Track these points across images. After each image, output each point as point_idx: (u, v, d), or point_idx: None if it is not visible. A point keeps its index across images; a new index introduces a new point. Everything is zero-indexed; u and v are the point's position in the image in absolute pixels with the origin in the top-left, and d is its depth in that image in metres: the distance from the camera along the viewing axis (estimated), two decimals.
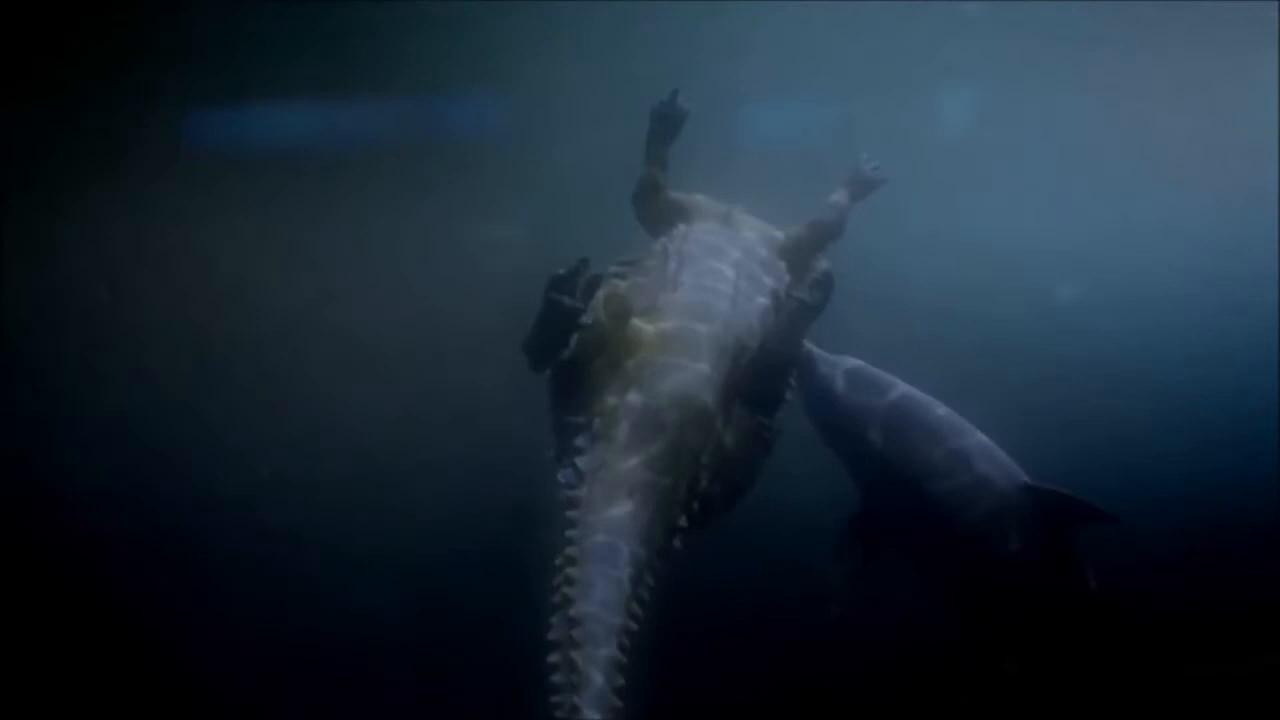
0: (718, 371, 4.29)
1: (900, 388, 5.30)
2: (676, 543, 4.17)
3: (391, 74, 9.66)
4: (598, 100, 9.64)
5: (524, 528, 4.23)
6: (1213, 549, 8.10)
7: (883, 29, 9.74)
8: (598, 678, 3.71)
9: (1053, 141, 12.40)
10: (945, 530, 5.15)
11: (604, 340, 4.26)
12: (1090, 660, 5.33)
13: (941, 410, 5.27)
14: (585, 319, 4.30)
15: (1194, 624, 7.31)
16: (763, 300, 4.56)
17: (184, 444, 9.03)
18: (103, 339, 9.66)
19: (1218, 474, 8.73)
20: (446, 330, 9.59)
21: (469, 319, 9.28)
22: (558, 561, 3.92)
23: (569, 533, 3.97)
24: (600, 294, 4.36)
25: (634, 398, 4.19)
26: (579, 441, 4.17)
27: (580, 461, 4.12)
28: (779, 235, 5.06)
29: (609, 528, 3.99)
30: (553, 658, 3.76)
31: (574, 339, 4.26)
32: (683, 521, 4.17)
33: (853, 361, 5.34)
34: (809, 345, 5.12)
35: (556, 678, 3.72)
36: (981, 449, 5.22)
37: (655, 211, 5.01)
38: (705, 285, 4.51)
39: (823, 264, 4.79)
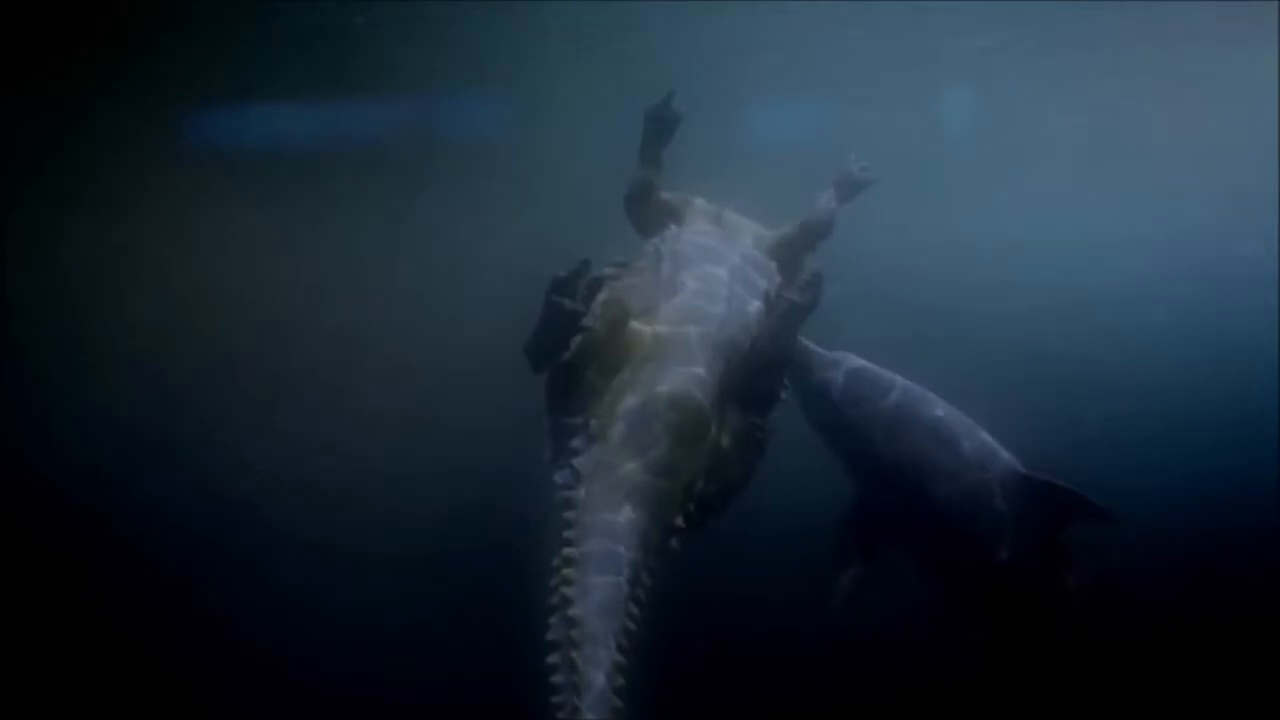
0: (713, 373, 4.29)
1: (899, 386, 5.29)
2: (673, 543, 4.18)
3: (391, 74, 9.65)
4: (598, 101, 9.65)
5: (523, 527, 4.24)
6: (1213, 549, 8.10)
7: (883, 29, 9.74)
8: (598, 678, 3.71)
9: (1053, 142, 12.42)
10: (946, 526, 5.14)
11: (602, 344, 4.27)
12: (1079, 654, 5.35)
13: (941, 409, 5.27)
14: (586, 321, 4.30)
15: (1193, 623, 7.32)
16: (756, 303, 4.56)
17: (184, 443, 9.04)
18: (103, 337, 9.67)
19: (1217, 474, 8.74)
20: (446, 329, 9.60)
21: (469, 318, 9.29)
22: (555, 562, 3.92)
23: (566, 534, 3.98)
24: (600, 298, 4.36)
25: (631, 399, 4.20)
26: (576, 443, 4.17)
27: (577, 462, 4.12)
28: (769, 235, 5.07)
29: (606, 529, 3.99)
30: (552, 658, 3.76)
31: (574, 342, 4.27)
32: (679, 522, 4.17)
33: (851, 359, 5.33)
34: (807, 343, 5.11)
35: (557, 678, 3.72)
36: (983, 446, 5.22)
37: (648, 213, 5.02)
38: (700, 288, 4.51)
39: (813, 265, 4.78)
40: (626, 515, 4.10)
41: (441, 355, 9.31)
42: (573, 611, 3.85)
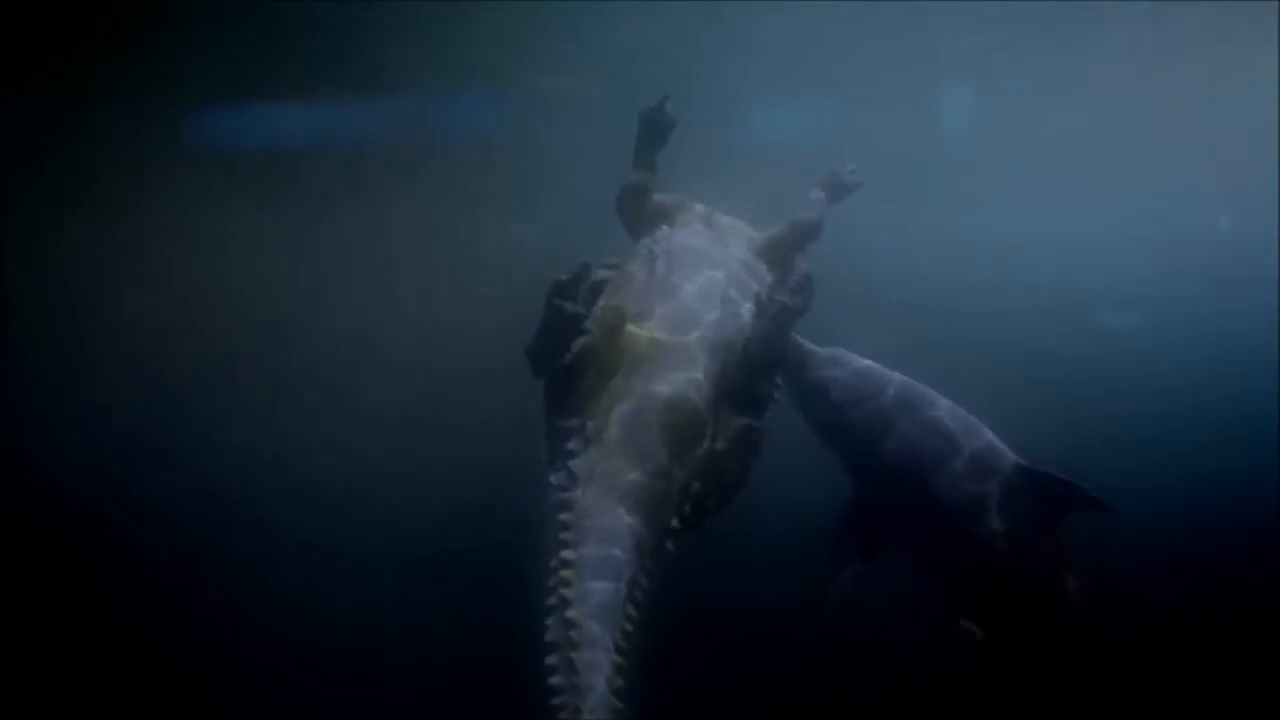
0: (708, 376, 4.31)
1: (896, 382, 5.27)
2: (669, 544, 4.19)
3: (391, 74, 9.66)
4: (597, 101, 9.66)
5: (522, 527, 4.24)
6: (1213, 549, 8.10)
7: (883, 29, 9.74)
8: (598, 679, 3.72)
9: (1052, 142, 12.42)
10: (947, 523, 5.14)
11: (599, 348, 4.28)
12: (1079, 652, 5.35)
13: (938, 404, 5.26)
14: (587, 325, 4.31)
15: (1193, 624, 7.32)
16: (749, 305, 4.57)
17: (184, 443, 9.04)
18: (103, 337, 9.67)
19: (1217, 474, 8.74)
20: (446, 329, 9.60)
21: (468, 317, 9.30)
22: (553, 564, 3.94)
23: (563, 535, 3.99)
24: (599, 305, 4.38)
25: (627, 402, 4.21)
26: (572, 445, 4.18)
27: (574, 464, 4.13)
28: (759, 237, 5.08)
29: (603, 530, 4.01)
30: (551, 659, 3.77)
31: (574, 345, 4.28)
32: (675, 523, 4.19)
33: (845, 356, 5.31)
34: (801, 341, 5.11)
35: (557, 679, 3.73)
36: (980, 440, 5.21)
37: (641, 216, 5.03)
38: (694, 290, 4.51)
39: (804, 266, 4.79)
40: (623, 517, 4.12)
41: (441, 355, 9.31)
42: (571, 613, 3.86)
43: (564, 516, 4.09)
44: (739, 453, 4.43)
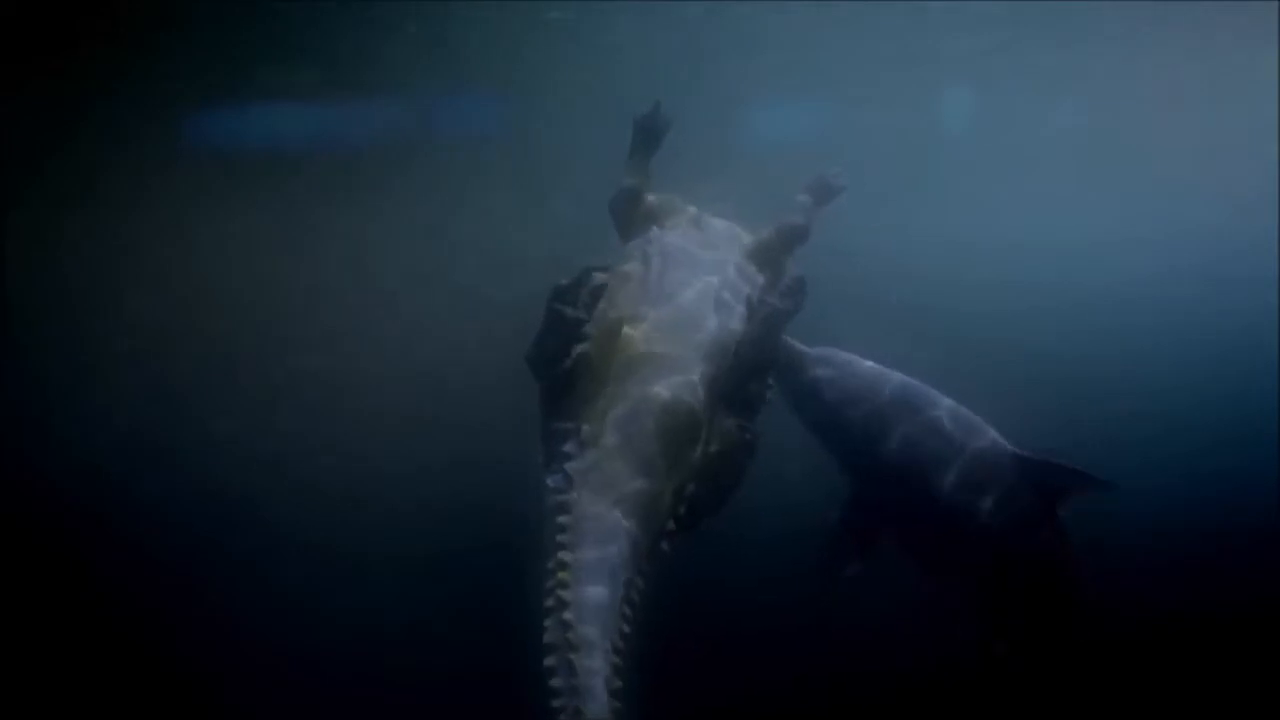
0: (703, 378, 4.33)
1: (891, 380, 5.26)
2: (665, 546, 4.21)
3: (390, 74, 9.66)
4: (596, 100, 9.66)
5: (522, 527, 4.25)
6: (1212, 549, 8.10)
7: (883, 29, 9.74)
8: (598, 680, 3.74)
9: (1053, 141, 12.42)
10: (948, 520, 5.14)
11: (597, 352, 4.30)
12: (1080, 649, 5.35)
13: (942, 405, 5.26)
14: (587, 330, 4.33)
15: (1193, 623, 7.31)
16: (741, 308, 4.59)
17: (184, 443, 9.04)
18: (103, 337, 9.67)
19: (1217, 474, 8.74)
20: (446, 328, 9.60)
21: (469, 317, 9.30)
22: (550, 565, 3.95)
23: (560, 537, 4.01)
24: (599, 309, 4.40)
25: (623, 405, 4.23)
26: (568, 447, 4.20)
27: (570, 467, 4.15)
28: (748, 240, 5.10)
29: (600, 533, 4.02)
30: (550, 661, 3.78)
31: (575, 350, 4.29)
32: (671, 525, 4.21)
33: (838, 356, 5.30)
34: (792, 343, 5.10)
35: (556, 681, 3.75)
36: (978, 433, 5.21)
37: (635, 220, 5.04)
38: (688, 293, 4.54)
39: (795, 269, 4.80)
40: (620, 519, 4.14)
41: (441, 354, 9.31)
42: (569, 615, 3.87)
43: (561, 519, 4.11)
44: (733, 454, 4.46)
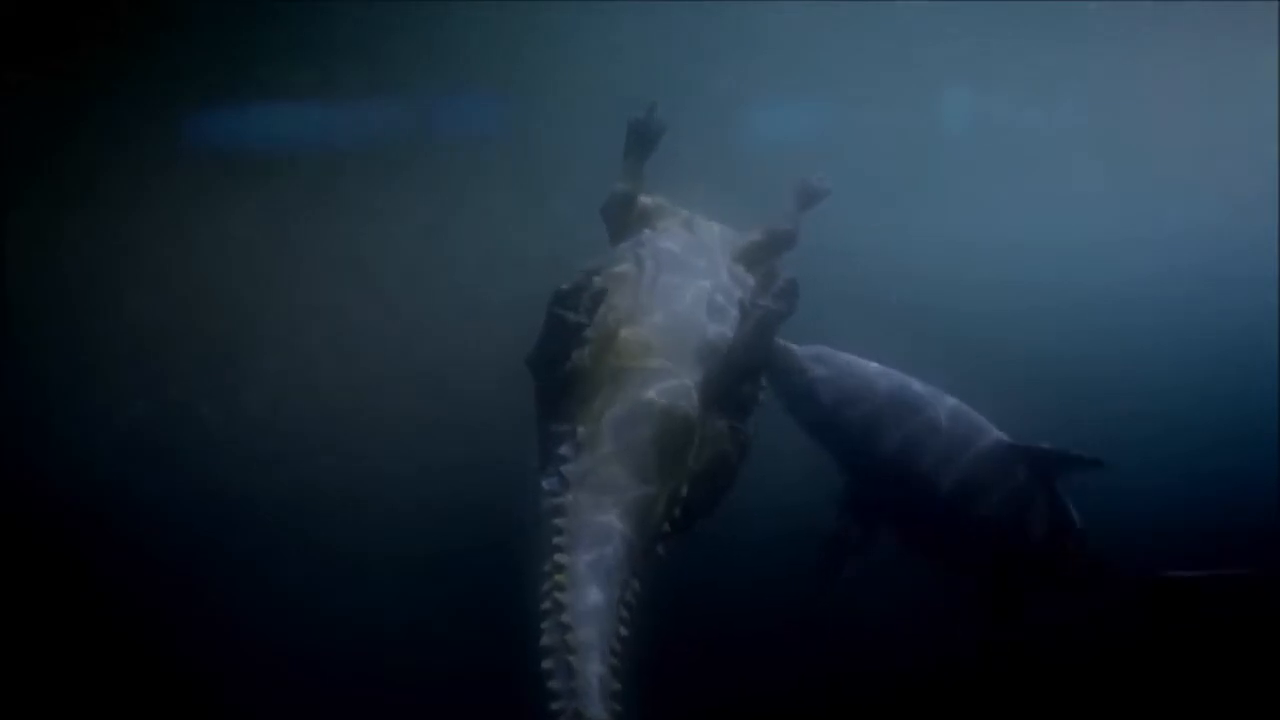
0: (696, 381, 4.35)
1: (886, 378, 5.26)
2: (659, 548, 4.23)
3: (391, 74, 9.66)
4: (597, 100, 9.65)
5: (522, 527, 4.26)
6: (1213, 549, 8.09)
7: (883, 29, 9.75)
8: (596, 682, 3.75)
9: (1052, 141, 12.42)
10: (949, 516, 5.15)
11: (594, 356, 4.32)
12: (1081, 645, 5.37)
13: (943, 405, 5.27)
14: (587, 334, 4.35)
15: (1193, 623, 7.31)
16: (734, 311, 4.61)
17: (184, 443, 9.04)
18: (103, 337, 9.66)
19: (1217, 474, 8.74)
20: (446, 328, 9.59)
21: (469, 317, 9.30)
22: (546, 568, 3.97)
23: (556, 540, 4.03)
24: (599, 314, 4.41)
25: (618, 408, 4.25)
26: (564, 450, 4.22)
27: (566, 470, 4.17)
28: (739, 243, 5.12)
29: (595, 535, 4.04)
30: (548, 663, 3.80)
31: (575, 354, 4.31)
32: (665, 527, 4.23)
33: (832, 355, 5.30)
34: (790, 345, 5.11)
35: (555, 683, 3.76)
36: (975, 426, 5.22)
37: (628, 223, 5.06)
38: (681, 296, 4.56)
39: (788, 272, 4.81)
40: (615, 521, 4.16)
41: (442, 354, 9.30)
42: (566, 618, 3.89)
43: (557, 521, 4.13)
44: (727, 456, 4.48)
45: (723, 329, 4.54)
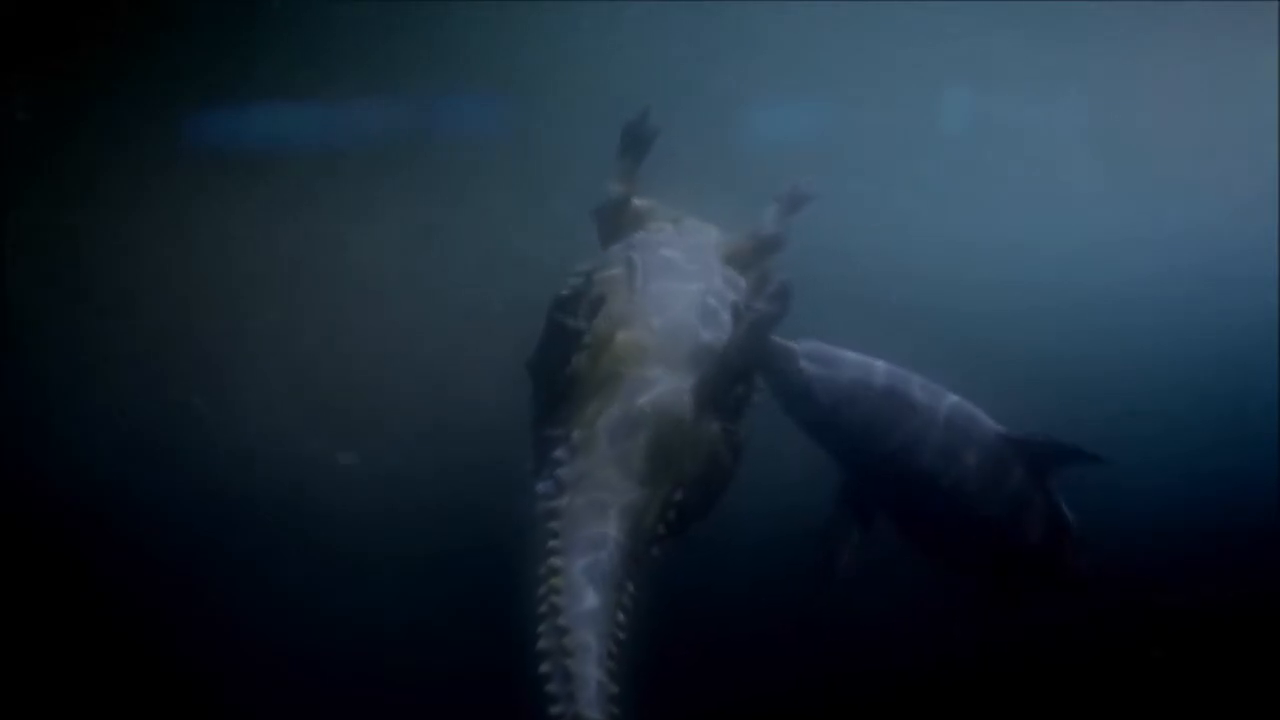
0: (691, 384, 4.35)
1: (887, 374, 5.25)
2: (655, 552, 4.24)
3: (390, 74, 9.65)
4: (598, 101, 9.65)
5: (519, 528, 4.26)
6: (1212, 549, 8.10)
7: (883, 29, 9.74)
8: (594, 686, 3.76)
9: (1052, 142, 12.41)
10: (951, 514, 5.15)
11: (589, 360, 4.33)
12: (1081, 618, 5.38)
13: (948, 401, 5.27)
14: (587, 340, 4.36)
15: (1193, 623, 7.32)
16: (727, 314, 4.62)
17: (184, 443, 9.03)
18: (103, 337, 9.66)
19: (1217, 474, 8.73)
20: (447, 327, 9.59)
21: (470, 317, 9.30)
22: (542, 572, 3.98)
23: (551, 543, 4.04)
24: (598, 319, 4.42)
25: (613, 411, 4.26)
26: (559, 453, 4.23)
27: (560, 473, 4.18)
28: (729, 244, 5.13)
29: (590, 539, 4.05)
30: (545, 667, 3.81)
31: (575, 359, 4.33)
32: (660, 530, 4.24)
33: (829, 352, 5.29)
34: (786, 343, 5.11)
35: (552, 687, 3.77)
36: (974, 419, 5.23)
37: (620, 226, 5.08)
38: (676, 299, 4.57)
39: (781, 274, 4.82)
40: (610, 525, 4.18)
41: (443, 353, 9.30)
42: (562, 621, 3.90)
43: (551, 525, 4.15)
44: (721, 459, 4.50)
45: (716, 332, 4.55)
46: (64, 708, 7.42)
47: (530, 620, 3.88)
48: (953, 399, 5.25)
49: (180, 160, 10.18)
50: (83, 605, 7.93)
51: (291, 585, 7.78)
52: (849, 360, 5.24)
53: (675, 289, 4.58)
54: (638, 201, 5.12)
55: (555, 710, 3.74)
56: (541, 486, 4.21)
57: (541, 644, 3.82)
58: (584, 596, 3.91)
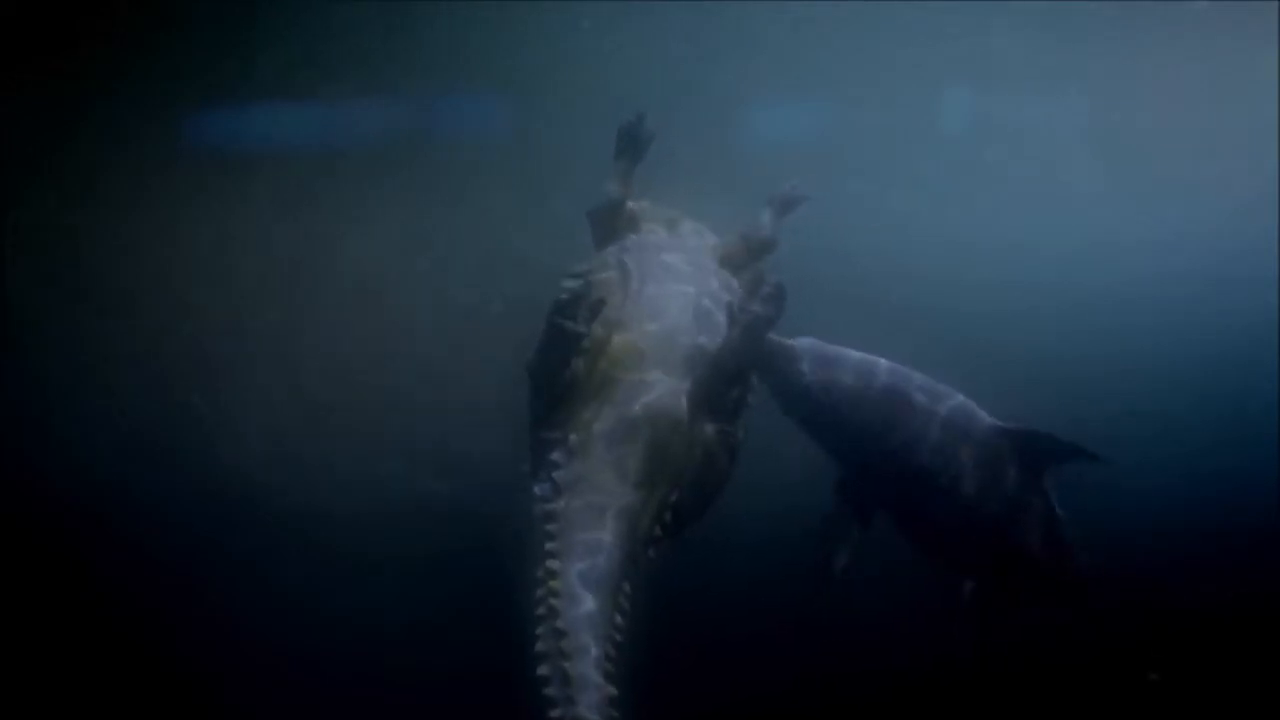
0: (686, 386, 4.36)
1: (884, 371, 5.24)
2: (651, 552, 4.25)
3: (390, 74, 9.66)
4: (598, 101, 9.65)
5: (516, 530, 4.27)
6: (1213, 549, 8.10)
7: (883, 29, 9.75)
8: (592, 689, 3.77)
9: (1052, 141, 12.42)
10: (951, 512, 5.16)
11: (585, 363, 4.34)
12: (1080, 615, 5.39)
13: (948, 400, 5.27)
14: (586, 344, 4.36)
15: (1194, 623, 7.32)
16: (722, 316, 4.63)
17: (184, 443, 9.04)
18: (103, 337, 9.67)
19: (1217, 474, 8.74)
20: (447, 327, 9.60)
21: (470, 317, 9.30)
22: (540, 575, 3.99)
23: (549, 545, 4.05)
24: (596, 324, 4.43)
25: (609, 413, 4.28)
26: (556, 456, 4.24)
27: (557, 476, 4.19)
28: (722, 246, 5.15)
29: (588, 541, 4.06)
30: (543, 670, 3.81)
31: (574, 363, 4.33)
32: (656, 532, 4.25)
33: (828, 348, 5.28)
34: (783, 341, 5.10)
35: (551, 690, 3.78)
36: (971, 414, 5.23)
37: (615, 229, 5.09)
38: (671, 302, 4.58)
39: (774, 276, 4.83)
40: (607, 527, 4.19)
41: (443, 353, 9.30)
42: (560, 624, 3.91)
43: (549, 528, 4.15)
44: (717, 460, 4.51)
45: (710, 334, 4.56)
46: (64, 708, 7.42)
47: (529, 621, 3.88)
48: (954, 399, 5.25)
49: (180, 160, 10.18)
50: (83, 605, 7.93)
51: (291, 585, 7.78)
52: (848, 358, 5.24)
53: (670, 291, 4.59)
54: (633, 204, 5.14)
55: (555, 714, 3.75)
56: (539, 489, 4.22)
57: (540, 647, 3.83)
58: (582, 599, 3.92)
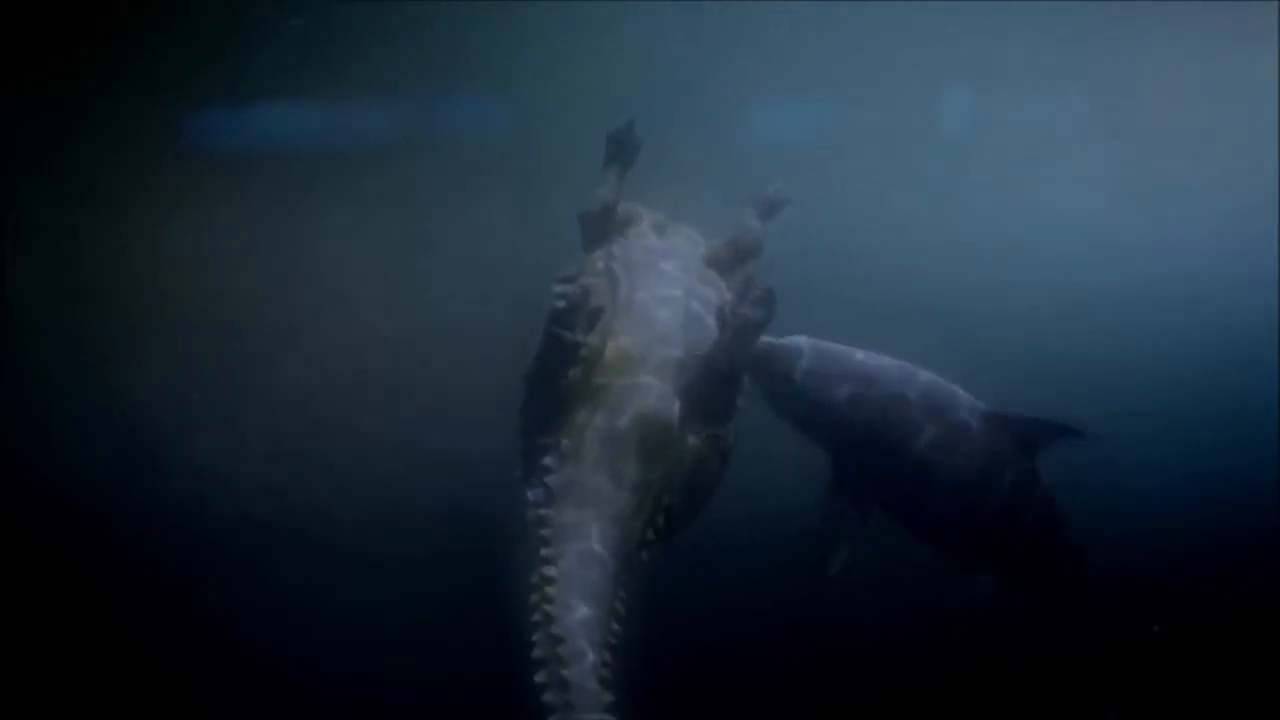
0: (677, 390, 4.37)
1: (879, 367, 5.23)
2: (644, 556, 4.26)
3: (392, 74, 9.66)
4: (598, 101, 9.65)
5: (515, 531, 4.27)
6: (1213, 549, 8.10)
7: (883, 29, 9.74)
8: (589, 694, 3.77)
9: (1052, 142, 12.42)
10: (949, 511, 5.16)
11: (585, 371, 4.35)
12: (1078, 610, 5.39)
13: (962, 397, 5.26)
14: (583, 354, 4.37)
15: (1194, 623, 7.31)
16: (712, 319, 4.64)
17: (184, 443, 9.04)
18: (102, 338, 9.67)
19: (1217, 474, 8.74)
20: (447, 327, 9.60)
21: (470, 317, 9.30)
22: (534, 580, 3.99)
23: (543, 551, 4.06)
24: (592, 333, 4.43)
25: (601, 418, 4.29)
26: (548, 461, 4.24)
27: (550, 481, 4.19)
28: (711, 250, 5.17)
29: (581, 546, 4.06)
30: (540, 676, 3.82)
31: (571, 372, 4.34)
32: (649, 535, 4.26)
33: (820, 345, 5.28)
34: (776, 341, 5.09)
35: (548, 697, 3.78)
36: (970, 408, 5.23)
37: (606, 233, 5.10)
38: (660, 305, 4.59)
39: (765, 279, 4.84)
40: (600, 531, 4.19)
41: (443, 355, 9.31)
42: (555, 629, 3.91)
43: (542, 533, 4.16)
44: (708, 463, 4.52)
45: (701, 337, 4.57)
46: (64, 708, 7.42)
47: (525, 625, 3.88)
48: (938, 384, 5.25)
49: (180, 160, 10.19)
50: (83, 605, 7.93)
51: (291, 585, 7.78)
52: (846, 357, 5.24)
53: (660, 296, 4.61)
54: (623, 207, 5.15)
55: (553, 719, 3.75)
56: (531, 494, 4.22)
57: (536, 653, 3.84)
58: (576, 604, 3.92)
